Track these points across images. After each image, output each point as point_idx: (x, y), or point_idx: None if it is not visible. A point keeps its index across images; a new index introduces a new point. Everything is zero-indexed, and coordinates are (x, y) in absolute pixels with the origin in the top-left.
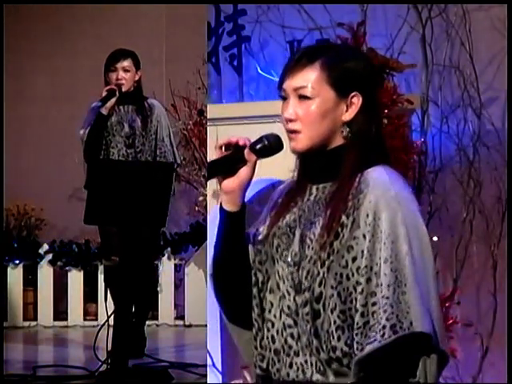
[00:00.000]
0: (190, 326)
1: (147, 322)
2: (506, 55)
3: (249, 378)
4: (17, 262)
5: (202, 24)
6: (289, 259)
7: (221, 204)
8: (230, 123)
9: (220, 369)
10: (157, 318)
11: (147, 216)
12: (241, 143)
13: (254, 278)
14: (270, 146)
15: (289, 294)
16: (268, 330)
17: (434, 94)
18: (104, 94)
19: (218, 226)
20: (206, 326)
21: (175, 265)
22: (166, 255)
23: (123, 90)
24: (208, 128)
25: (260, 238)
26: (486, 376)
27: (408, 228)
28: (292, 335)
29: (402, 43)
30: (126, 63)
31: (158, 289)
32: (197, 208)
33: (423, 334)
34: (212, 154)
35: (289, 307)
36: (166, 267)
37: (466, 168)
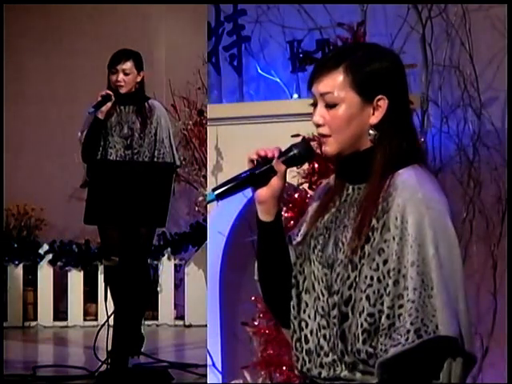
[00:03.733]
0: (189, 326)
1: (147, 322)
2: (506, 55)
3: (249, 378)
4: (17, 262)
5: (202, 24)
6: (323, 260)
7: (257, 215)
8: (230, 123)
9: (220, 369)
10: (157, 318)
11: (147, 216)
12: (269, 155)
13: (294, 280)
14: (299, 155)
15: (323, 295)
16: (302, 330)
17: (433, 93)
18: (99, 99)
19: (257, 236)
20: (206, 326)
21: (175, 265)
22: (166, 255)
23: (122, 92)
24: (208, 128)
25: (300, 238)
26: (485, 376)
27: (435, 231)
28: (325, 336)
29: (402, 43)
30: (127, 65)
31: (158, 289)
32: (197, 208)
33: (449, 338)
34: (212, 154)
35: (323, 308)
36: (166, 267)
37: (466, 168)
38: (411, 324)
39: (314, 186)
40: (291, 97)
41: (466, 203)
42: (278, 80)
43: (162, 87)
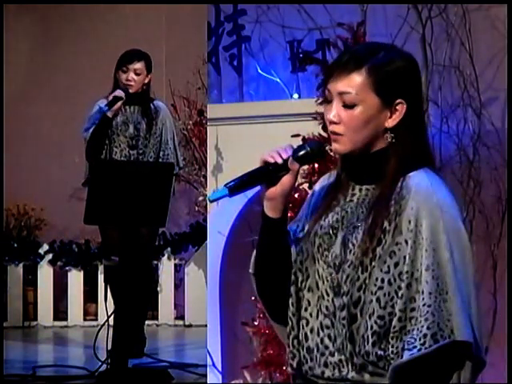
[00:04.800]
0: (190, 326)
1: (147, 322)
2: (506, 55)
3: (249, 378)
4: (17, 262)
5: (202, 24)
6: (329, 260)
7: (263, 210)
8: (229, 123)
9: (220, 369)
10: (157, 318)
11: (147, 216)
12: (285, 157)
13: (293, 277)
14: (312, 153)
15: (327, 295)
16: (302, 328)
17: (433, 93)
18: (110, 98)
19: (260, 231)
20: (206, 326)
21: (175, 265)
22: (166, 255)
23: (130, 91)
24: (208, 128)
25: (301, 235)
26: (485, 376)
27: (449, 235)
28: (329, 336)
29: (402, 43)
30: (139, 66)
31: (158, 289)
32: (197, 208)
33: (464, 343)
34: (212, 154)
35: (327, 308)
36: (166, 267)
37: (466, 168)
38: (428, 328)
39: (314, 186)
40: (291, 97)
41: (466, 203)
42: (278, 80)
43: (162, 87)
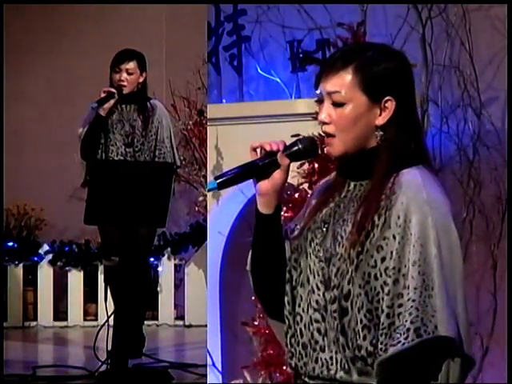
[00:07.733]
0: (189, 326)
1: (147, 322)
2: (506, 55)
3: (249, 378)
4: (17, 262)
5: (201, 24)
6: (320, 254)
7: (256, 206)
8: (229, 123)
9: (220, 369)
10: (157, 318)
11: (147, 216)
12: (275, 149)
13: (288, 275)
14: (303, 150)
15: (318, 289)
16: (297, 324)
17: (433, 93)
18: (102, 95)
19: (254, 227)
20: (206, 326)
21: (175, 265)
22: (166, 255)
23: (124, 92)
24: (208, 128)
25: (296, 233)
26: (485, 376)
27: (438, 231)
28: (319, 330)
29: (402, 43)
30: (131, 65)
31: (158, 289)
32: (197, 208)
33: (447, 338)
34: (212, 154)
35: (317, 302)
36: (166, 267)
37: (466, 168)
38: (411, 323)
39: (313, 186)
40: (291, 97)
41: (466, 203)
42: (278, 80)
43: (162, 87)
